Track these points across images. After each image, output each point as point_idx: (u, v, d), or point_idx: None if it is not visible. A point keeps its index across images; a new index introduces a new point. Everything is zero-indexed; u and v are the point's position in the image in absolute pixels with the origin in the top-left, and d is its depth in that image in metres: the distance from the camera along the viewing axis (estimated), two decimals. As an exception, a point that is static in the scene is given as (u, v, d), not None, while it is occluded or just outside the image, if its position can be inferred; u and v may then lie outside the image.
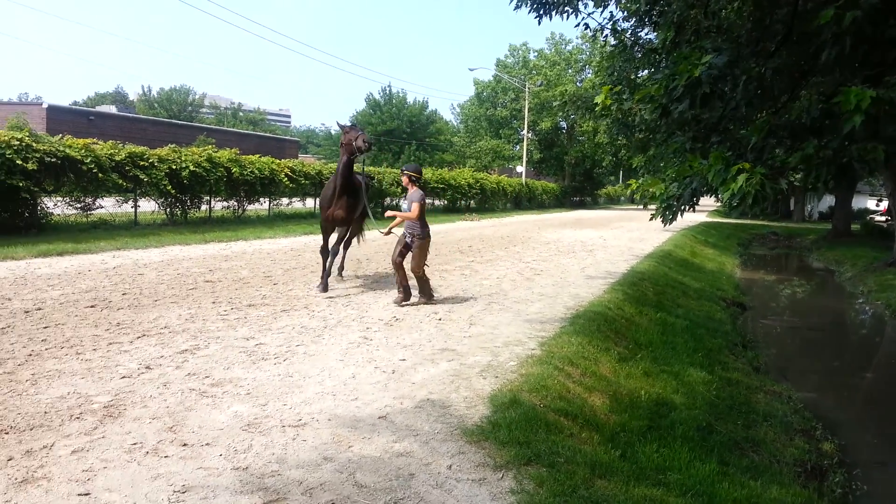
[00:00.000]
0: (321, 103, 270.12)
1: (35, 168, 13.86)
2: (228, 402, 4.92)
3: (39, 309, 7.63)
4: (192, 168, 18.10)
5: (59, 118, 44.96)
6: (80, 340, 6.37)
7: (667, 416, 5.84)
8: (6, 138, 13.66)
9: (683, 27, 8.62)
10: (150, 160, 17.25)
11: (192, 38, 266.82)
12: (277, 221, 21.62)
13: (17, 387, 5.01)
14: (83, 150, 15.40)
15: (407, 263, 8.96)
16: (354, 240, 10.92)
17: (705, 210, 56.01)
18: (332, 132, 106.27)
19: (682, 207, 6.56)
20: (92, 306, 7.91)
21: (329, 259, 9.70)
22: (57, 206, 16.10)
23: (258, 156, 21.91)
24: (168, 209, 18.76)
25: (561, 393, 5.59)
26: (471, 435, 4.50)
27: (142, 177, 16.84)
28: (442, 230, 23.71)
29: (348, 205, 9.46)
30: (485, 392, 5.42)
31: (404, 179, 8.82)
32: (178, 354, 6.06)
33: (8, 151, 13.43)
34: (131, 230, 16.49)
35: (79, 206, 16.64)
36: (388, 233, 9.26)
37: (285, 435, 4.35)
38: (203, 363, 5.84)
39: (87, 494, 3.45)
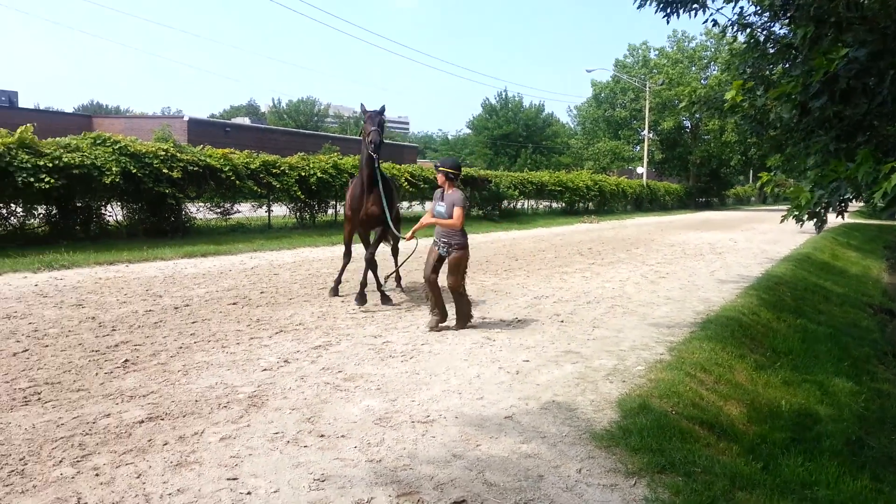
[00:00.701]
0: (438, 109, 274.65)
1: (179, 176, 14.98)
2: (360, 396, 5.09)
3: (187, 305, 8.22)
4: (319, 174, 18.94)
5: (199, 130, 48.35)
6: (225, 335, 6.81)
7: (811, 429, 5.47)
8: (153, 149, 14.86)
9: (823, 21, 8.05)
10: (282, 168, 18.21)
11: (318, 52, 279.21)
12: (398, 225, 22.16)
13: (170, 377, 5.42)
14: (222, 160, 16.49)
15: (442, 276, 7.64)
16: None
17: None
18: (449, 137, 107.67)
19: (825, 212, 6.13)
20: (234, 303, 8.44)
21: (372, 269, 8.69)
22: (199, 211, 17.32)
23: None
24: (298, 213, 19.73)
25: (694, 400, 5.37)
26: (600, 439, 4.41)
27: (274, 183, 17.81)
28: (560, 232, 23.43)
29: (381, 200, 8.24)
30: (612, 396, 5.30)
31: (440, 178, 7.31)
32: (313, 350, 6.34)
33: (155, 161, 14.59)
34: (265, 233, 17.46)
35: (218, 210, 17.84)
36: (411, 237, 7.75)
37: (415, 430, 4.44)
38: (336, 358, 6.08)
39: (234, 479, 3.67)
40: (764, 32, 11.13)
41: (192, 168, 15.43)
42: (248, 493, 3.51)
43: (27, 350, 5.97)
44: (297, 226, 19.39)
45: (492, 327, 7.61)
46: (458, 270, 7.26)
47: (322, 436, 4.30)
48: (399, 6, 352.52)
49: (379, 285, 8.83)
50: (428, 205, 26.21)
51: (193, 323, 7.29)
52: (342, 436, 4.31)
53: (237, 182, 16.67)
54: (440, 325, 7.41)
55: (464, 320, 7.50)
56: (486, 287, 10.51)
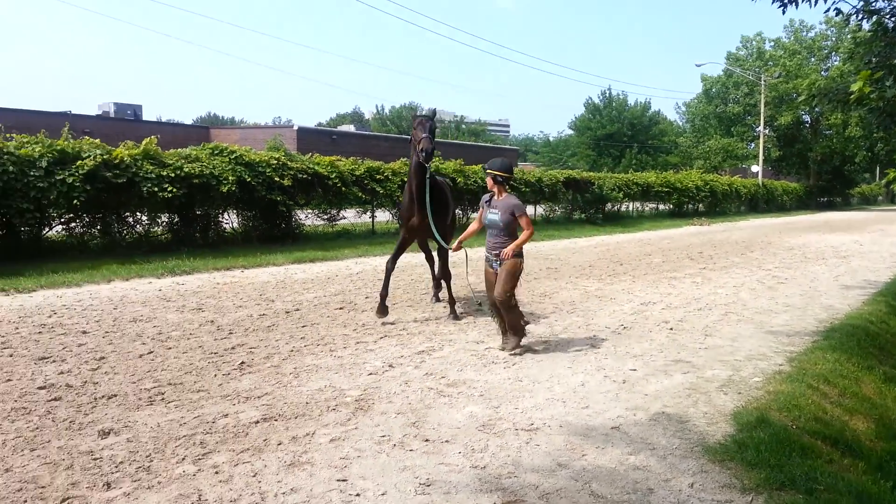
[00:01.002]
0: (539, 111, 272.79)
1: (290, 184, 15.62)
2: (463, 402, 5.11)
3: (297, 310, 8.55)
4: (421, 179, 19.23)
5: (307, 138, 50.24)
6: (333, 339, 7.03)
7: (952, 449, 4.99)
8: (266, 158, 15.57)
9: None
10: (385, 173, 18.62)
11: (419, 57, 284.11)
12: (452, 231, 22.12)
13: (282, 379, 5.65)
14: (329, 167, 17.06)
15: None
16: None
17: None
18: (550, 139, 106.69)
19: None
20: (340, 308, 8.70)
21: (446, 280, 8.31)
22: (307, 218, 17.99)
23: (481, 165, 22.68)
24: (399, 218, 20.10)
25: (816, 414, 5.04)
26: (713, 453, 4.22)
27: (378, 189, 18.23)
28: (668, 236, 22.67)
29: (434, 210, 7.65)
30: (727, 409, 5.06)
31: (488, 181, 6.51)
32: (416, 355, 6.43)
33: (268, 170, 15.29)
34: (369, 239, 17.91)
35: (325, 217, 18.45)
36: (459, 248, 7.05)
37: (519, 438, 4.41)
38: (439, 364, 6.14)
39: (344, 480, 3.77)
40: (892, 19, 10.34)
41: (301, 176, 16.04)
42: (357, 495, 3.59)
43: (152, 352, 6.39)
44: (399, 231, 19.80)
45: (595, 334, 7.45)
46: (511, 279, 6.34)
47: (427, 440, 4.34)
48: (499, 6, 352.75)
49: (452, 302, 8.24)
50: (528, 209, 25.98)
51: (303, 327, 7.57)
52: (446, 441, 4.34)
53: (343, 188, 17.19)
54: (517, 349, 6.56)
55: (516, 337, 6.59)
56: (589, 292, 10.31)
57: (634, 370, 6.05)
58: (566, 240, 19.80)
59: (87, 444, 4.19)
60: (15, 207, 11.17)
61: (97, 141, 12.83)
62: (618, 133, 71.23)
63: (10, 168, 11.05)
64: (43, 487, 3.61)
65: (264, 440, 4.31)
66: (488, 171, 6.46)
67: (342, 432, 4.46)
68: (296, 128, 53.97)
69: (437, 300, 9.23)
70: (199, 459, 4.01)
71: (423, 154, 7.20)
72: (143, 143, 13.25)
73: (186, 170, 13.51)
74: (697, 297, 10.01)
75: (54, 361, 5.96)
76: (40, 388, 5.23)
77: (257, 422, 4.63)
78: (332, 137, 55.57)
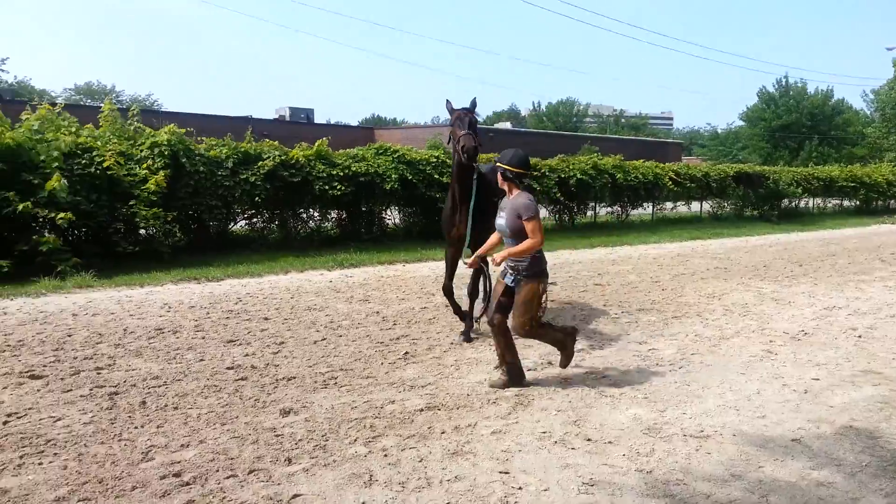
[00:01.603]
0: (705, 102, 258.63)
1: (449, 181, 15.94)
2: (626, 403, 4.96)
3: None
4: (578, 176, 18.91)
5: (466, 137, 50.97)
6: (490, 334, 7.08)
7: None
8: (426, 156, 16.02)
9: None
10: (542, 170, 18.50)
11: (576, 52, 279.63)
12: (661, 226, 21.26)
13: (444, 370, 5.80)
14: (486, 164, 17.22)
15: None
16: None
17: None
18: (718, 131, 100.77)
19: None
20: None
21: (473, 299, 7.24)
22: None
23: (641, 160, 21.89)
24: (557, 215, 19.90)
25: None
26: (914, 475, 3.79)
27: (535, 186, 18.15)
28: (854, 235, 20.64)
29: (477, 220, 6.59)
30: (930, 427, 4.52)
31: (499, 178, 5.41)
32: (575, 353, 6.34)
33: (428, 168, 15.72)
34: (526, 235, 17.87)
35: (483, 214, 18.64)
36: (474, 264, 6.06)
37: (687, 445, 4.21)
38: (599, 363, 6.02)
39: (506, 473, 3.80)
40: None
41: (460, 174, 16.32)
42: (520, 489, 3.61)
43: (325, 339, 6.80)
44: (555, 227, 19.58)
45: (773, 339, 6.94)
46: (526, 310, 5.16)
47: (589, 440, 4.27)
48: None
49: (468, 320, 7.15)
50: (695, 205, 24.73)
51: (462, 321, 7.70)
52: (609, 442, 4.24)
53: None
54: (509, 387, 5.29)
55: (566, 355, 5.58)
56: (764, 294, 9.62)
57: (817, 380, 5.57)
58: (736, 238, 18.61)
59: (271, 421, 4.55)
60: (205, 204, 12.34)
61: (275, 143, 13.87)
62: (795, 124, 65.81)
63: (201, 168, 12.20)
64: (232, 459, 3.96)
65: (428, 428, 4.45)
66: (498, 164, 5.35)
67: (503, 425, 4.50)
68: (454, 126, 54.86)
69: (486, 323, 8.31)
70: (370, 442, 4.22)
71: (465, 154, 6.24)
72: (316, 144, 14.13)
73: (354, 169, 14.23)
74: (890, 302, 9.02)
75: (240, 344, 6.52)
76: (229, 368, 5.74)
77: (421, 410, 4.78)
78: (489, 135, 56.12)
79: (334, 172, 13.86)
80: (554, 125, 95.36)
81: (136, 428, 4.38)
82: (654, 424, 4.54)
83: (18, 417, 4.54)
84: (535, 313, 5.18)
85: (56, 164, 10.19)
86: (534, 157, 19.41)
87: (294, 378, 5.49)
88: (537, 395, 5.14)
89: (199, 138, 13.13)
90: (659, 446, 4.18)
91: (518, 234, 5.17)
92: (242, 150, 13.12)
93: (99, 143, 11.26)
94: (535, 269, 5.18)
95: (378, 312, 8.09)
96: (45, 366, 5.65)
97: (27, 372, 5.47)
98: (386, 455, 4.02)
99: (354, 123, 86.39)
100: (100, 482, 3.63)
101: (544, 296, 5.23)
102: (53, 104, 12.47)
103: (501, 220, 5.30)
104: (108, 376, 5.41)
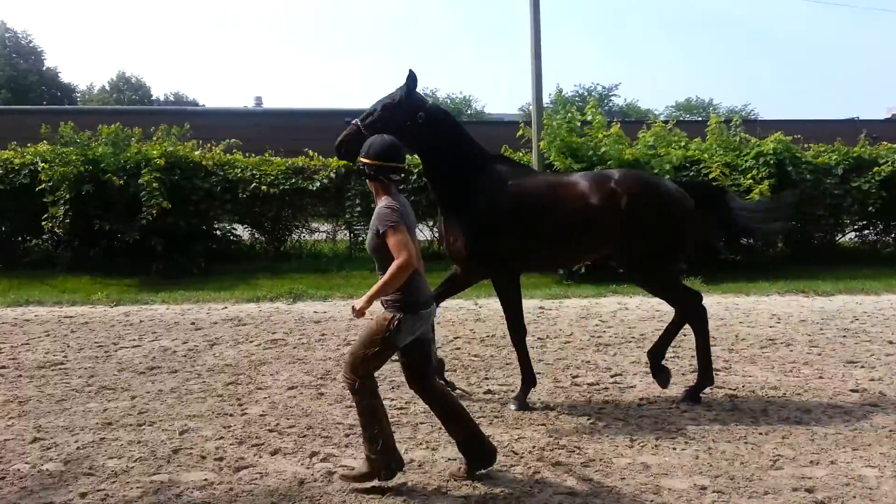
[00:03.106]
0: None
1: None
2: None
3: None
4: None
5: None
6: None
7: None
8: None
9: None
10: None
11: None
12: None
13: None
14: None
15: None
16: None
17: None
18: None
19: None
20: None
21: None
22: None
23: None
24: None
25: None
26: None
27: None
28: None
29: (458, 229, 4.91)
30: None
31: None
32: None
33: None
34: None
35: None
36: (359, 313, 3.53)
37: None
38: None
39: None
40: None
41: None
42: None
43: None
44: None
45: None
46: (366, 345, 3.58)
47: None
48: None
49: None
50: None
51: None
52: None
53: None
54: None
55: (366, 469, 3.63)
56: None
57: None
58: None
59: None
60: (811, 214, 11.61)
61: (894, 146, 12.15)
62: None
63: (808, 176, 11.52)
64: (870, 489, 3.59)
65: None
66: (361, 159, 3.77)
67: None
68: None
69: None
70: None
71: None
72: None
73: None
74: None
75: (863, 367, 5.90)
76: (852, 390, 5.25)
77: None
78: None
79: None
80: None
81: (759, 434, 4.39)
82: None
83: (650, 403, 5.06)
84: (375, 359, 3.59)
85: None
86: None
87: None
88: None
89: (805, 145, 12.50)
90: None
91: (382, 257, 3.63)
92: (854, 155, 11.92)
93: (706, 155, 11.77)
94: (396, 298, 3.57)
95: None
96: (666, 359, 6.14)
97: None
98: None
99: None
100: (731, 479, 3.75)
101: (394, 336, 3.53)
102: (665, 122, 13.63)
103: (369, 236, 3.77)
104: (725, 378, 5.57)
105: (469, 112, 49.28)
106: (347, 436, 4.39)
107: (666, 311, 8.19)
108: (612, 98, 51.06)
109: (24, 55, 49.71)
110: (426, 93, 49.58)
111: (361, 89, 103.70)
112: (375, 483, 3.61)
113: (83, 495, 3.61)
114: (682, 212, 4.96)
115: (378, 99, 4.77)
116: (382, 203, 3.63)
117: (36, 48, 51.15)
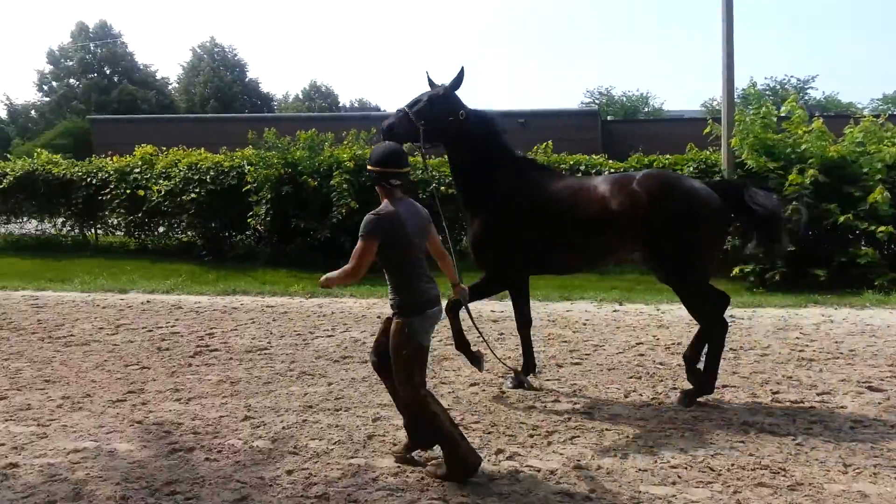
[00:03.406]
0: None
1: None
2: None
3: None
4: None
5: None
6: None
7: None
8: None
9: None
10: None
11: None
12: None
13: None
14: None
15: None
16: None
17: None
18: None
19: None
20: None
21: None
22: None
23: None
24: None
25: None
26: None
27: None
28: None
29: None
30: None
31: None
32: None
33: None
34: None
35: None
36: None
37: None
38: None
39: None
40: None
41: None
42: None
43: None
44: None
45: None
46: (403, 365, 3.71)
47: None
48: None
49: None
50: None
51: None
52: None
53: None
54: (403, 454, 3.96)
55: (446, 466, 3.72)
56: None
57: None
58: None
59: None
60: None
61: None
62: None
63: None
64: None
65: None
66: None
67: None
68: None
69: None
70: None
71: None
72: None
73: None
74: None
75: None
76: None
77: None
78: None
79: None
80: None
81: None
82: None
83: (864, 427, 4.55)
84: (412, 371, 3.72)
85: (878, 175, 10.02)
86: None
87: None
88: None
89: None
90: None
91: (382, 258, 3.92)
92: None
93: (926, 153, 10.44)
94: (401, 300, 3.83)
95: None
96: (882, 379, 5.53)
97: (864, 382, 5.45)
98: None
99: None
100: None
101: (413, 340, 3.72)
102: (876, 116, 12.25)
103: None
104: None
105: (646, 109, 47.36)
106: (531, 436, 4.39)
107: (876, 325, 7.39)
108: (808, 91, 46.74)
109: (230, 68, 55.31)
110: (601, 91, 48.39)
111: (537, 90, 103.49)
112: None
113: (289, 472, 3.90)
114: (709, 211, 4.72)
115: (424, 90, 5.13)
116: (378, 208, 3.85)
117: (240, 61, 56.80)
